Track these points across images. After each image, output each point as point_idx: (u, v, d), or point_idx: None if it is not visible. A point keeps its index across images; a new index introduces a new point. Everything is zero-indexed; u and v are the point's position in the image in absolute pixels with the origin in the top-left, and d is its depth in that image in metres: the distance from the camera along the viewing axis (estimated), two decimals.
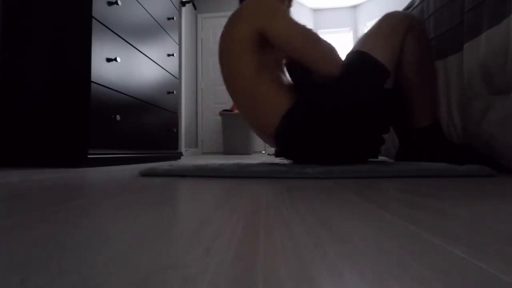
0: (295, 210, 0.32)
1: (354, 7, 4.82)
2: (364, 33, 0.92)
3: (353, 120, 0.82)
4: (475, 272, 0.15)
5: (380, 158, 1.78)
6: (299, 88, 0.92)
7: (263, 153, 3.65)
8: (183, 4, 3.10)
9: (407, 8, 1.28)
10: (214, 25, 3.93)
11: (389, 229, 0.24)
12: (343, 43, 4.77)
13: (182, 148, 3.14)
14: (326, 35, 4.95)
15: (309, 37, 0.85)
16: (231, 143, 3.46)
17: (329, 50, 0.86)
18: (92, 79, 1.12)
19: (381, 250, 0.19)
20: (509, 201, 0.35)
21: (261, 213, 0.30)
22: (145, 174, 0.76)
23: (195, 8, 3.03)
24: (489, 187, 0.47)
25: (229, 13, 4.68)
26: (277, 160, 1.44)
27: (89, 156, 1.09)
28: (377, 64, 0.83)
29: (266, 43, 0.87)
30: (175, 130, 1.98)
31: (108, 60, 1.23)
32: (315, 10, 4.94)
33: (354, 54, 0.88)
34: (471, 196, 0.39)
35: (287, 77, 0.98)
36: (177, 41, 2.08)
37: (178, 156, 2.03)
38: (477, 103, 0.78)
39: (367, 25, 4.47)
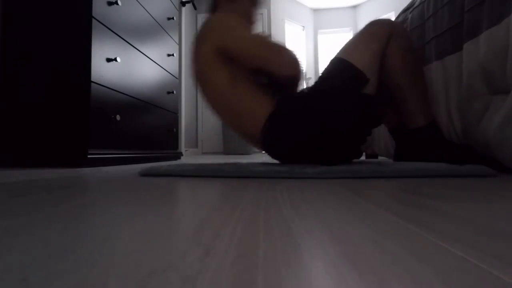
0: (295, 210, 0.32)
1: (354, 7, 4.83)
2: (347, 41, 0.96)
3: (329, 123, 0.85)
4: (475, 272, 0.15)
5: (380, 158, 1.78)
6: (277, 90, 0.94)
7: (263, 153, 3.64)
8: (183, 4, 3.10)
9: (407, 8, 1.28)
10: None
11: (389, 229, 0.24)
12: (343, 43, 4.77)
13: (182, 148, 3.14)
14: (326, 35, 4.95)
15: (261, 45, 0.89)
16: (231, 143, 3.46)
17: (279, 53, 0.88)
18: (92, 79, 1.12)
19: (381, 250, 0.19)
20: (509, 201, 0.35)
21: (261, 213, 0.30)
22: (145, 174, 0.76)
23: (195, 8, 3.03)
24: (489, 187, 0.48)
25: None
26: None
27: (89, 156, 1.09)
28: (354, 70, 0.86)
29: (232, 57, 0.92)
30: (175, 130, 1.98)
31: (108, 60, 1.23)
32: (315, 10, 4.94)
33: (334, 61, 0.93)
34: (471, 196, 0.39)
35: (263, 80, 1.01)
36: (177, 41, 2.08)
37: (178, 156, 2.03)
38: (476, 103, 0.78)
39: None
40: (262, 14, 3.85)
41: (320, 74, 0.96)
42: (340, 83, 0.88)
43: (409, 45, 0.95)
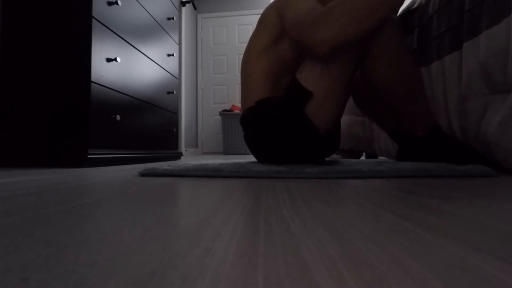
0: (294, 210, 0.32)
1: None
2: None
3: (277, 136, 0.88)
4: (475, 272, 0.15)
5: (380, 158, 1.78)
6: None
7: None
8: (183, 4, 3.10)
9: (407, 9, 1.27)
10: (214, 25, 3.93)
11: (389, 229, 0.24)
12: None
13: (182, 148, 3.14)
14: None
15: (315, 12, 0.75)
16: (231, 143, 3.46)
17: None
18: (92, 79, 1.12)
19: (381, 250, 0.19)
20: (509, 201, 0.35)
21: (261, 213, 0.30)
22: (145, 174, 0.76)
23: (195, 8, 3.04)
24: (489, 187, 0.47)
25: (229, 13, 4.57)
26: None
27: (89, 156, 1.09)
28: (299, 89, 0.83)
29: (283, 37, 0.92)
30: (175, 130, 1.98)
31: (108, 60, 1.23)
32: None
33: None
34: (471, 196, 0.39)
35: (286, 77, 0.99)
36: (177, 41, 2.08)
37: (178, 156, 2.03)
38: (476, 102, 0.78)
39: None
40: (259, 14, 3.86)
41: None
42: (280, 102, 0.86)
43: (402, 38, 0.81)
